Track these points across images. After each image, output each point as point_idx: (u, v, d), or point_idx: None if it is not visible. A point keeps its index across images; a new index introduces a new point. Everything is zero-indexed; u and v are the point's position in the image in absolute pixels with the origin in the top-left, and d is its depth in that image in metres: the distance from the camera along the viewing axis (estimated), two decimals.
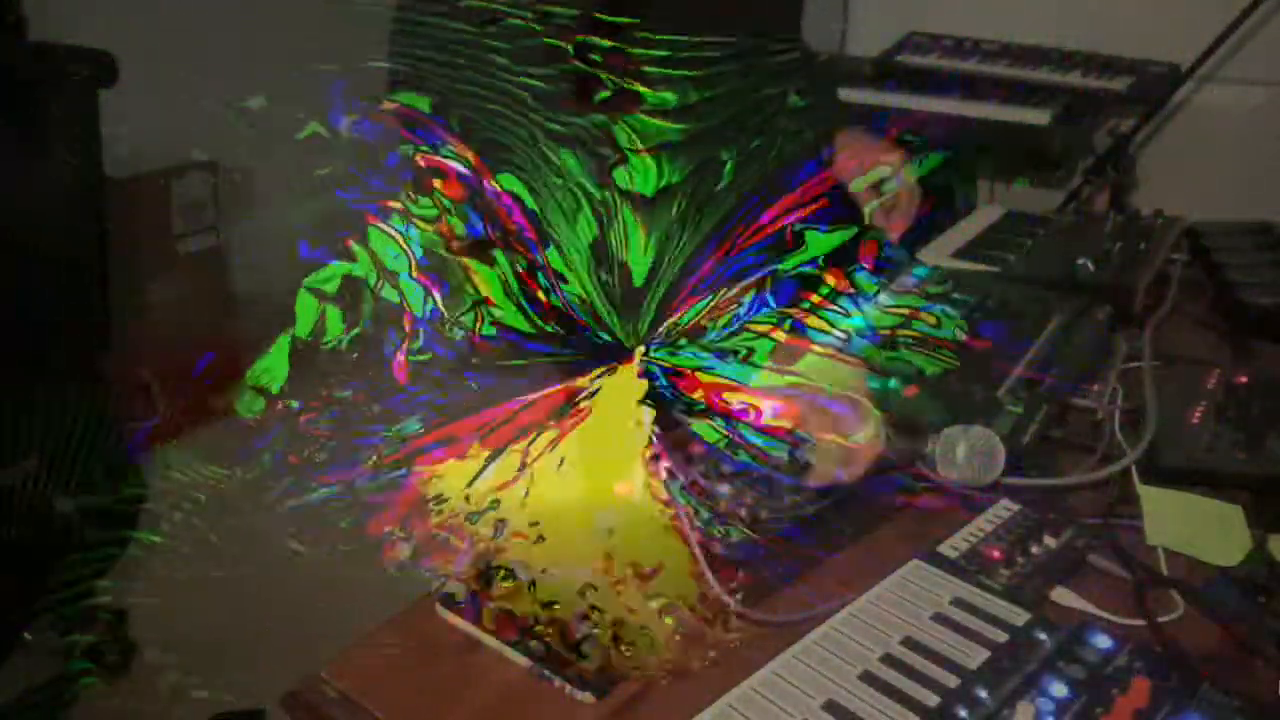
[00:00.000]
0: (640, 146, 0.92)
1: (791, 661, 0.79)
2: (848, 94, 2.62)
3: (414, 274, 0.89)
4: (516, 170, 0.90)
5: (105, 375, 2.00)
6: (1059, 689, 0.75)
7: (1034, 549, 0.93)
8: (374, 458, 0.87)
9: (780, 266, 0.96)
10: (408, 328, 0.89)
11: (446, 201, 0.89)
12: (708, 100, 0.99)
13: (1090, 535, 0.96)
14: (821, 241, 0.95)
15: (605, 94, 0.90)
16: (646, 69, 0.93)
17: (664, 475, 0.88)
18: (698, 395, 0.94)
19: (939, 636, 0.81)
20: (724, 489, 0.96)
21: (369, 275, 0.88)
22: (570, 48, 0.90)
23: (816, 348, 0.96)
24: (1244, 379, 1.18)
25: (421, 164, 0.88)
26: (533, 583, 0.84)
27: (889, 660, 0.79)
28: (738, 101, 1.03)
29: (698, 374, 0.94)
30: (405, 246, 0.89)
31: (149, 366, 2.25)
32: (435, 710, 0.80)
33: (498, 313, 0.92)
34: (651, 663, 0.81)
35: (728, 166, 0.98)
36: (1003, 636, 0.81)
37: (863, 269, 1.00)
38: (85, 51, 1.95)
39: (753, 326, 0.97)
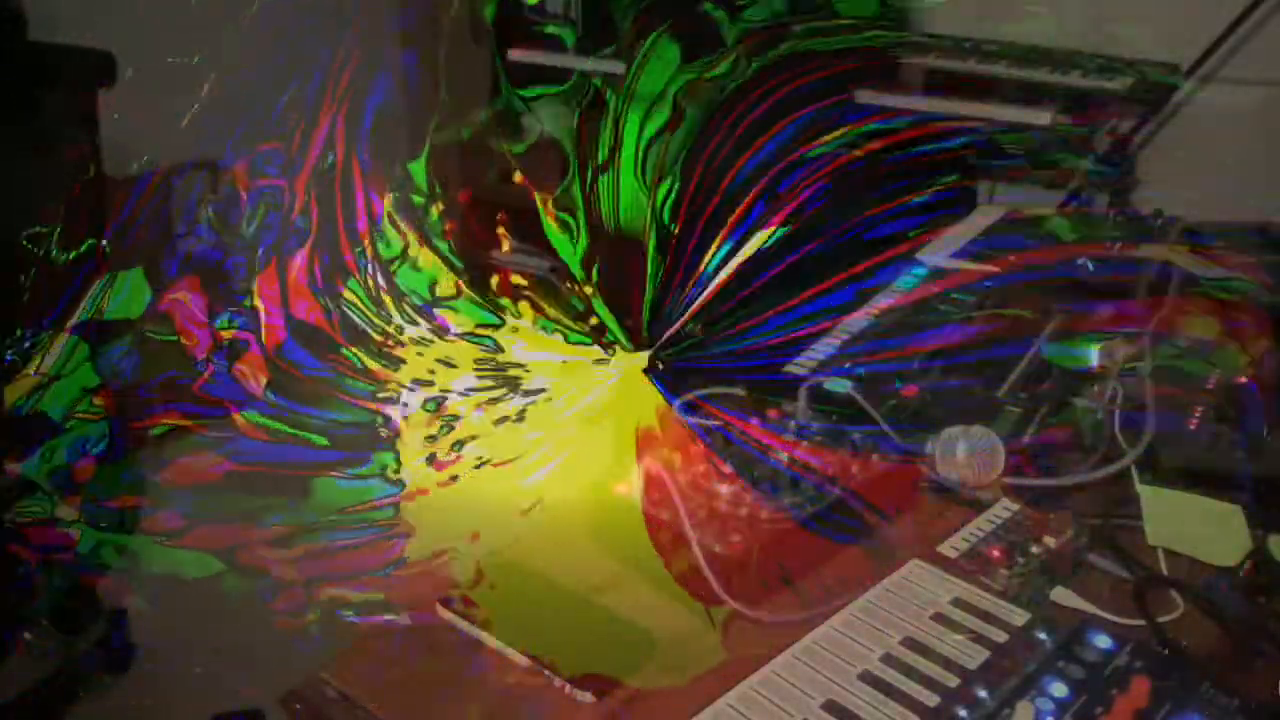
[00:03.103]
0: None
1: (791, 661, 0.79)
2: (859, 95, 2.61)
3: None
4: None
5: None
6: (1059, 689, 0.75)
7: (1034, 549, 0.93)
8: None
9: None
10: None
11: None
12: None
13: (1090, 535, 0.96)
14: None
15: None
16: None
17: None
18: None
19: (939, 636, 0.81)
20: (724, 489, 0.96)
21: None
22: None
23: None
24: (1244, 379, 1.18)
25: None
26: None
27: (889, 660, 0.79)
28: None
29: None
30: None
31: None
32: (435, 710, 0.80)
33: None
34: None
35: None
36: (1003, 636, 0.81)
37: None
38: (85, 51, 1.95)
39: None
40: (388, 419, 0.96)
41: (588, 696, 0.79)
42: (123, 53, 1.97)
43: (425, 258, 1.05)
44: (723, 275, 1.18)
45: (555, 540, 0.95)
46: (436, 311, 1.04)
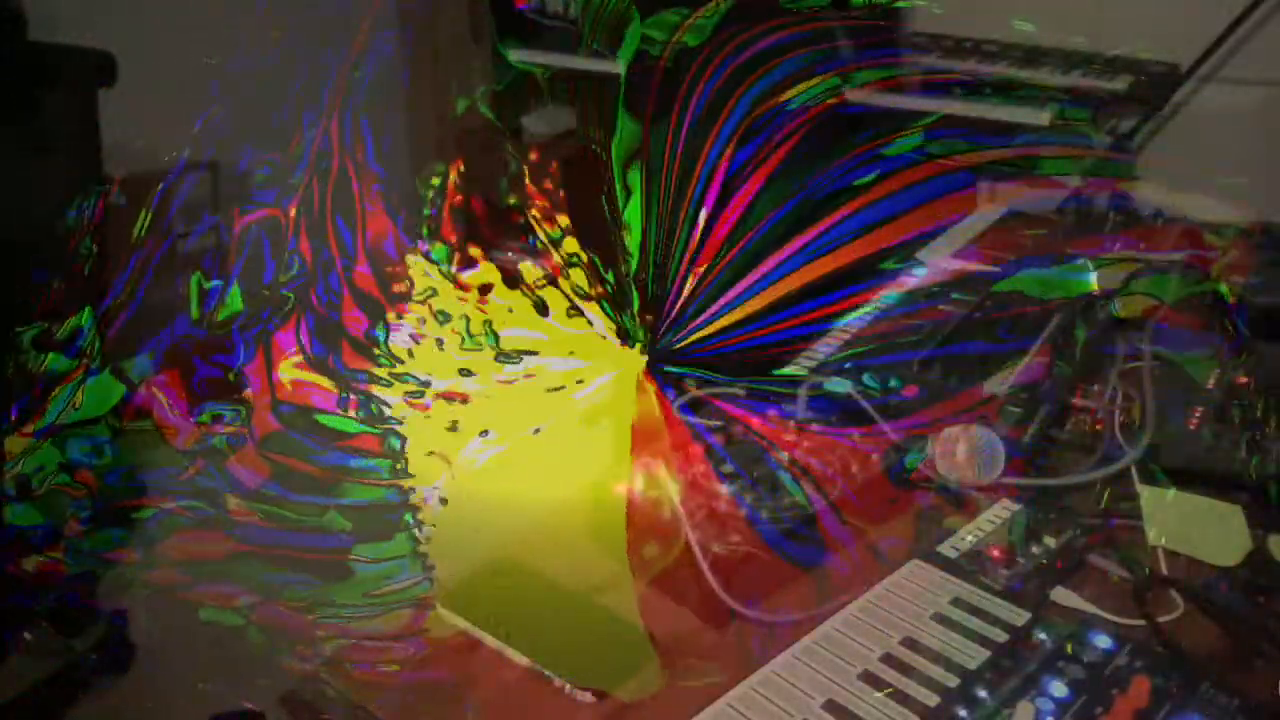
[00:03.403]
0: None
1: (791, 661, 0.79)
2: (848, 93, 2.61)
3: None
4: None
5: None
6: (1059, 689, 0.75)
7: (1034, 549, 0.93)
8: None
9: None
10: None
11: None
12: None
13: (1090, 535, 0.96)
14: None
15: None
16: None
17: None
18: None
19: (939, 636, 0.81)
20: (724, 489, 0.96)
21: None
22: None
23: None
24: (1244, 379, 1.18)
25: None
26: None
27: (889, 660, 0.79)
28: None
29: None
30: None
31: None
32: (435, 710, 0.80)
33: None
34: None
35: None
36: (1003, 636, 0.81)
37: None
38: (85, 51, 1.95)
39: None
40: (434, 490, 0.94)
41: (588, 696, 0.79)
42: (123, 53, 1.97)
43: (456, 305, 1.02)
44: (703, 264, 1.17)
45: (555, 540, 0.95)
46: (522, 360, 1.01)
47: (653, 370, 1.09)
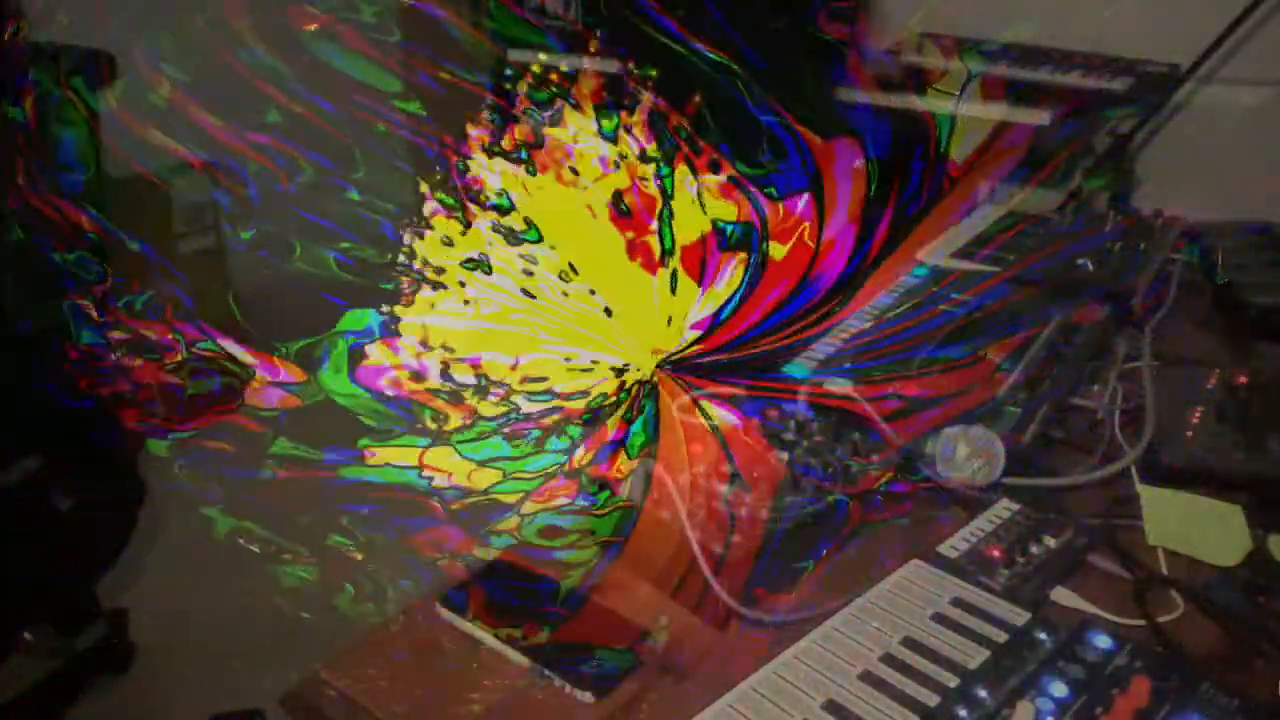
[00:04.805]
0: None
1: (791, 661, 0.79)
2: (848, 94, 2.61)
3: None
4: None
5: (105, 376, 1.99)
6: (1059, 689, 0.75)
7: (1034, 549, 0.93)
8: None
9: None
10: None
11: None
12: None
13: (1090, 535, 0.96)
14: None
15: None
16: None
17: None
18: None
19: (939, 636, 0.81)
20: (724, 489, 0.96)
21: None
22: None
23: None
24: (1244, 379, 1.18)
25: None
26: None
27: (889, 660, 0.79)
28: None
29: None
30: None
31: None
32: (435, 710, 0.80)
33: None
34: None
35: None
36: (1003, 636, 0.81)
37: None
38: (85, 51, 1.96)
39: None
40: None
41: (588, 696, 0.79)
42: (123, 53, 1.97)
43: None
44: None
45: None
46: None
47: (661, 367, 1.08)
